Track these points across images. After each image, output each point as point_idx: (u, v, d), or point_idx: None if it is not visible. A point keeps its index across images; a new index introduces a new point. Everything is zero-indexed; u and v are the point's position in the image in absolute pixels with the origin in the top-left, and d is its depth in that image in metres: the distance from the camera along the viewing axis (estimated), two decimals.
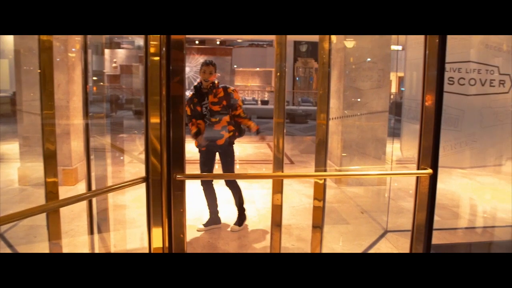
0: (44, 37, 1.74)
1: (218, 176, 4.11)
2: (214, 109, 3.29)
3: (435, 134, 1.93)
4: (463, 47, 5.99)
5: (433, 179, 1.94)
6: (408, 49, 6.86)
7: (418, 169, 1.97)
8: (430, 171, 1.91)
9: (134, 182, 1.51)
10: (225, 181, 3.58)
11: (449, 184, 5.32)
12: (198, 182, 3.67)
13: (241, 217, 3.59)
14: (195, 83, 3.37)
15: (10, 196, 4.33)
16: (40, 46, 1.94)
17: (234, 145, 3.46)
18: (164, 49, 1.52)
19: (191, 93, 3.37)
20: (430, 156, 1.93)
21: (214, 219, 3.54)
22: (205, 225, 3.51)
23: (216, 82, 3.34)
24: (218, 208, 3.56)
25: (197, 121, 3.32)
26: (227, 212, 3.82)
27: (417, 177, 2.00)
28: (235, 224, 3.56)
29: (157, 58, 1.54)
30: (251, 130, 3.40)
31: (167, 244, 1.52)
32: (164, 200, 1.51)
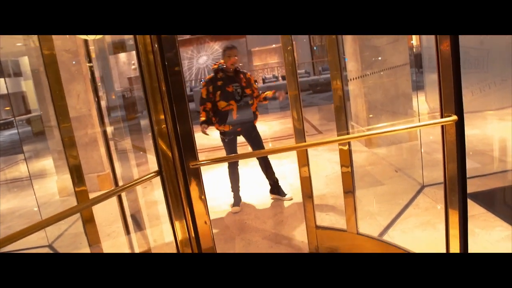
0: (46, 52, 1.73)
1: (236, 157, 4.06)
2: (247, 92, 3.41)
3: (455, 78, 1.81)
4: None
5: (460, 125, 1.84)
6: None
7: (441, 117, 1.87)
8: (455, 117, 1.81)
9: (148, 177, 1.51)
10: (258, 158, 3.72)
11: (484, 128, 5.08)
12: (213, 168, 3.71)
13: (279, 188, 3.75)
14: (214, 66, 3.43)
15: (54, 208, 4.55)
16: (44, 61, 1.96)
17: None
18: (156, 45, 1.50)
19: (211, 75, 3.41)
20: (452, 102, 1.82)
21: (237, 199, 3.67)
22: (235, 205, 3.63)
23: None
24: (240, 192, 3.72)
25: (230, 101, 3.35)
26: (258, 194, 3.84)
27: (442, 126, 1.90)
28: (282, 196, 3.71)
29: (150, 57, 1.51)
30: (278, 98, 3.42)
31: (193, 234, 1.53)
32: (182, 190, 1.51)
